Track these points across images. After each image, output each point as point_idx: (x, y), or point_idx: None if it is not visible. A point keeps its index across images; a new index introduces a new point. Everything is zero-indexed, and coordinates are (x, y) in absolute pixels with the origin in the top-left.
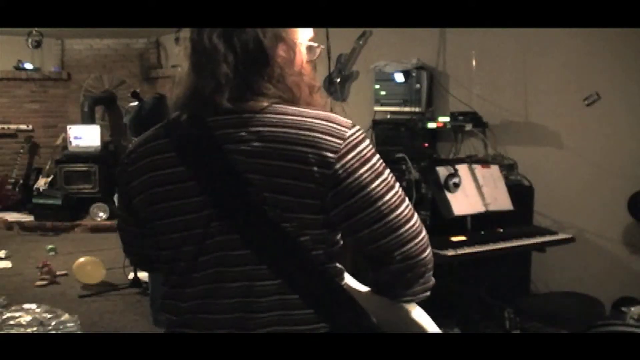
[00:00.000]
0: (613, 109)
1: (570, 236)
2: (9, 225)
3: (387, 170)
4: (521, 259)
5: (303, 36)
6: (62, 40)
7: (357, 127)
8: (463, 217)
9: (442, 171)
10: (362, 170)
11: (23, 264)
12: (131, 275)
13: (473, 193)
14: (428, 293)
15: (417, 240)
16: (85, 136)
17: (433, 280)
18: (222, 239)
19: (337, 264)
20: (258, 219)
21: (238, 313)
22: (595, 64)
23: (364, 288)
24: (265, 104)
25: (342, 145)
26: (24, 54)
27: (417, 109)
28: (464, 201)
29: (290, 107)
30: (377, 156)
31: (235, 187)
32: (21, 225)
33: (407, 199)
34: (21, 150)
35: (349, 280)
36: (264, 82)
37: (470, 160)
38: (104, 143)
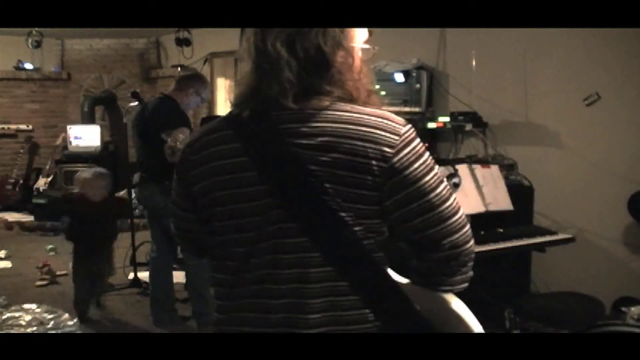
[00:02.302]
0: (613, 109)
1: (570, 236)
2: (9, 225)
3: (437, 166)
4: (521, 259)
5: (359, 39)
6: (62, 40)
7: (410, 125)
8: None
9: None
10: (416, 165)
11: (23, 264)
12: (131, 275)
13: (473, 193)
14: (466, 284)
15: (463, 230)
16: (85, 136)
17: (472, 273)
18: (281, 227)
19: (382, 254)
20: (317, 208)
21: (292, 299)
22: (595, 64)
23: (402, 279)
24: (327, 102)
25: (399, 141)
26: (24, 54)
27: (417, 109)
28: (464, 201)
29: (349, 105)
30: (428, 153)
31: (297, 178)
32: (21, 225)
33: (453, 193)
34: (21, 150)
35: (389, 272)
36: (325, 85)
37: (470, 160)
38: (104, 143)
